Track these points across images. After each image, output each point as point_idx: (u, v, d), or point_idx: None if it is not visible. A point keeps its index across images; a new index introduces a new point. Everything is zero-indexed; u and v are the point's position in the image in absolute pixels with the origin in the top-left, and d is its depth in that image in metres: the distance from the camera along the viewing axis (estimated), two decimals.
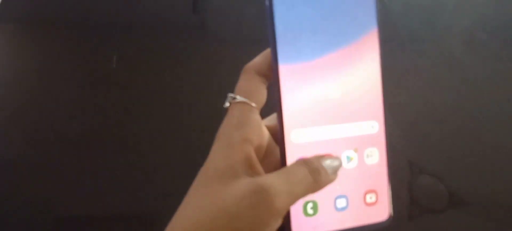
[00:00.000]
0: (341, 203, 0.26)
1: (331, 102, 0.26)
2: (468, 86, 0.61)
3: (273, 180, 0.22)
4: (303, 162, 0.24)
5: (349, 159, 0.26)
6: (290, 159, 0.25)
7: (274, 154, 0.27)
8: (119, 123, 0.57)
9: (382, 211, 0.27)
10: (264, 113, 0.27)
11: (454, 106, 0.59)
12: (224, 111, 0.27)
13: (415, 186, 0.53)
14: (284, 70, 0.25)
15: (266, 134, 0.27)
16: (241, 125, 0.25)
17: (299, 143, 0.26)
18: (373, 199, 0.27)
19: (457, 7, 0.68)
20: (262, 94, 0.26)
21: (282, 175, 0.23)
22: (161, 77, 0.60)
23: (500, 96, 0.60)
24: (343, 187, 0.26)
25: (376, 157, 0.27)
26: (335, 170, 0.25)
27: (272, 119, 0.28)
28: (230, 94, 0.26)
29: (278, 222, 0.23)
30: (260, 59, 0.26)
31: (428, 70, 0.62)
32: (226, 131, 0.25)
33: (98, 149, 0.55)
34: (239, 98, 0.25)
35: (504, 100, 0.60)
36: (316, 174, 0.24)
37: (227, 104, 0.26)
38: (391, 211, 0.27)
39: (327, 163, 0.25)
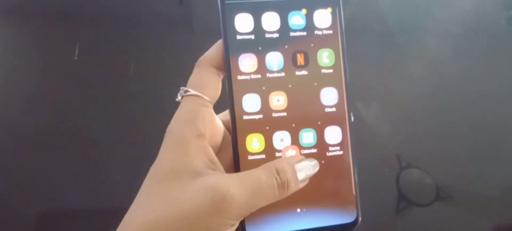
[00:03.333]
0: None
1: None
2: (443, 80, 0.61)
3: (235, 190, 0.20)
4: (272, 171, 0.22)
5: None
6: (243, 163, 0.24)
7: (230, 148, 0.25)
8: (108, 118, 0.54)
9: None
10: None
11: (432, 101, 0.60)
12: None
13: (403, 179, 0.52)
14: (235, 62, 0.25)
15: (220, 127, 0.26)
16: (193, 119, 0.23)
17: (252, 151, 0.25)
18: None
19: (433, 1, 0.68)
20: (215, 87, 0.25)
21: (246, 184, 0.21)
22: (147, 69, 0.58)
23: (475, 90, 0.61)
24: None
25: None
26: (308, 177, 0.24)
27: (226, 113, 0.26)
28: (182, 88, 0.25)
29: (235, 226, 0.22)
30: (213, 50, 0.25)
31: (402, 64, 0.62)
32: (177, 126, 0.23)
33: (56, 145, 0.51)
34: (191, 91, 0.24)
35: (479, 95, 0.61)
36: (283, 188, 0.22)
37: (179, 98, 0.24)
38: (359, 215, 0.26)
39: (302, 165, 0.23)
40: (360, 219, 0.26)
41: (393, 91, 0.59)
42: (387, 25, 0.65)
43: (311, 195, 0.25)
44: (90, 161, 0.51)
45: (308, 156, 0.25)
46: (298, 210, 0.25)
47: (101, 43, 0.57)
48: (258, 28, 0.25)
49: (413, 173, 0.53)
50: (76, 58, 0.56)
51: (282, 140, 0.25)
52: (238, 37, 0.25)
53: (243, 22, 0.25)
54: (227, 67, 0.25)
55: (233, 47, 0.25)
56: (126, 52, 0.56)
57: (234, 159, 0.25)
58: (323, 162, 0.25)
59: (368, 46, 0.62)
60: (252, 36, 0.25)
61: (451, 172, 0.54)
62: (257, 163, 0.24)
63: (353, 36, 0.63)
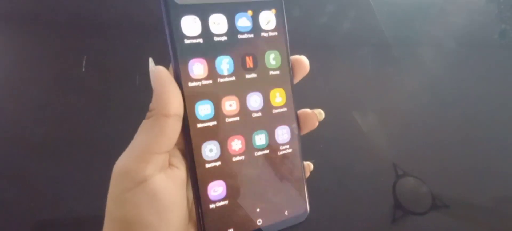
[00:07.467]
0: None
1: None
2: (438, 91, 0.62)
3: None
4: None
5: None
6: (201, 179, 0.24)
7: None
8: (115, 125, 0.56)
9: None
10: None
11: (427, 111, 0.61)
12: None
13: (399, 188, 0.53)
14: (185, 68, 0.24)
15: None
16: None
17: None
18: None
19: (428, 15, 0.70)
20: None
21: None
22: (145, 77, 0.58)
23: (469, 100, 0.62)
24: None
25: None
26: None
27: None
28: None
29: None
30: None
31: (398, 76, 0.64)
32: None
33: (63, 155, 0.52)
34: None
35: (474, 106, 0.62)
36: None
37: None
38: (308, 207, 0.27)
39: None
40: (309, 209, 0.27)
41: (390, 102, 0.60)
42: (384, 38, 0.66)
43: (268, 193, 0.26)
44: (98, 169, 0.51)
45: (260, 157, 0.26)
46: (258, 209, 0.26)
47: (108, 54, 0.58)
48: (206, 31, 0.24)
49: (409, 181, 0.54)
50: (83, 69, 0.57)
51: (236, 144, 0.25)
52: (186, 41, 0.24)
53: (190, 25, 0.24)
54: (177, 74, 0.23)
55: (182, 52, 0.23)
56: (132, 64, 0.57)
57: (191, 168, 0.24)
58: (275, 161, 0.26)
59: (365, 58, 0.63)
60: (201, 40, 0.24)
61: (447, 181, 0.55)
62: (214, 171, 0.24)
63: (351, 48, 0.64)
